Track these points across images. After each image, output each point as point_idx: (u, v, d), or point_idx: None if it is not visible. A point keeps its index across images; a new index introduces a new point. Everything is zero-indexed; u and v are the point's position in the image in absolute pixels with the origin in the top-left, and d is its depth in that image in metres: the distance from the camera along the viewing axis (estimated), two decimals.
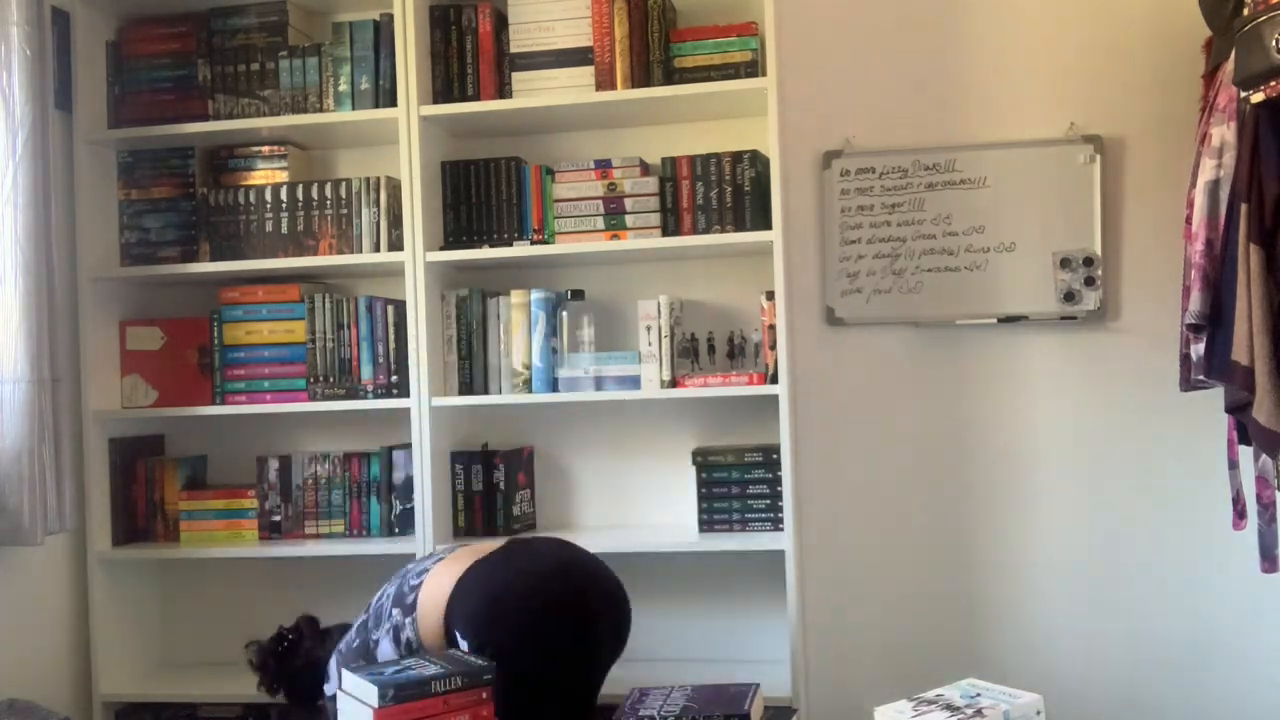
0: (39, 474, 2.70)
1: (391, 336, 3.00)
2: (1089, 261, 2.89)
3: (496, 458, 3.00)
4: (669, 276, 3.06)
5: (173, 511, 3.13)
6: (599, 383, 2.89)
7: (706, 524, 2.93)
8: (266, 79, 3.05)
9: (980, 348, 2.97)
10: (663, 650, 3.06)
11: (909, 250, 2.97)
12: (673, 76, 2.89)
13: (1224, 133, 2.40)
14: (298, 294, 3.06)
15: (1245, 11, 2.27)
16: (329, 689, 2.35)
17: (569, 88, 2.89)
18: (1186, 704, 2.87)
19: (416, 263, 2.91)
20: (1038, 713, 1.60)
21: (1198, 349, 2.46)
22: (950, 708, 1.57)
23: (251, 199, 3.05)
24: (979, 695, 1.61)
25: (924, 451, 2.99)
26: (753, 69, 2.84)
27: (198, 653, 3.26)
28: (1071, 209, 2.90)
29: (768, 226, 2.80)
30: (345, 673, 2.20)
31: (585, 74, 2.89)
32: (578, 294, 3.00)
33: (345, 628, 2.49)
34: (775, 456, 2.83)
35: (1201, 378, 2.48)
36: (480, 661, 2.13)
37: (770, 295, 2.80)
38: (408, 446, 2.96)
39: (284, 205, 3.04)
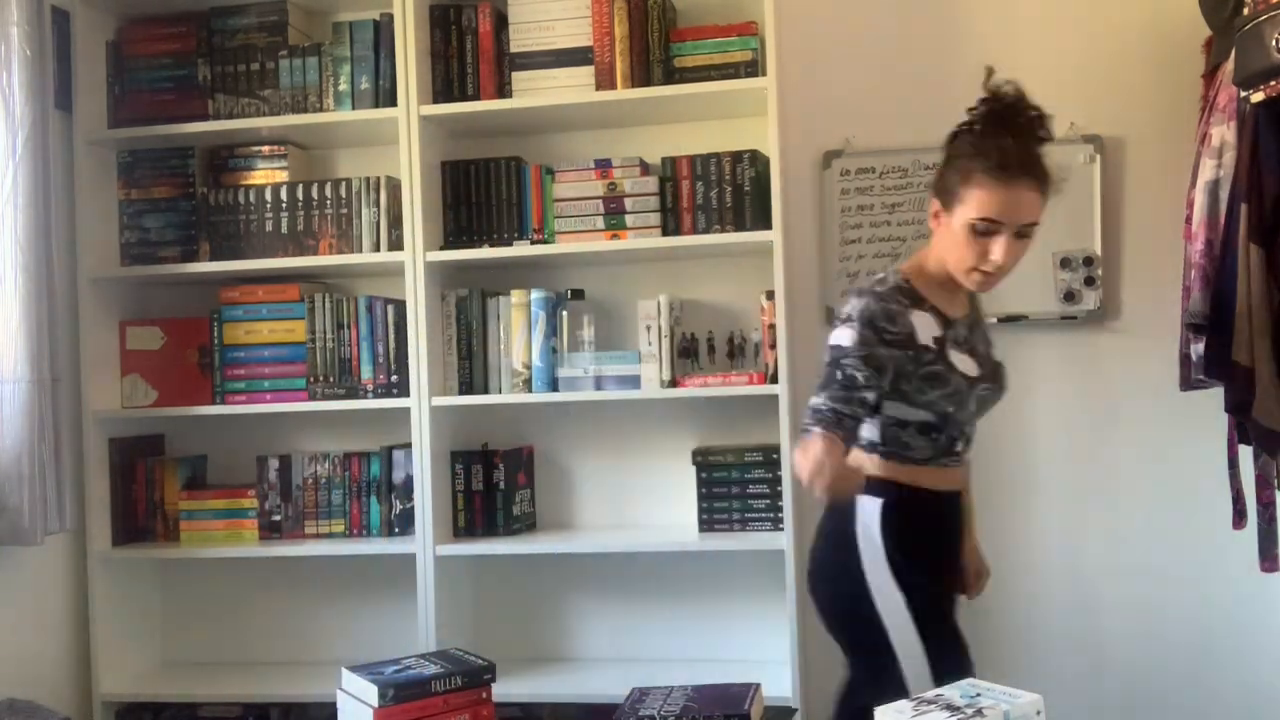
0: (39, 474, 2.70)
1: (391, 336, 3.00)
2: (1089, 261, 2.89)
3: (496, 457, 2.99)
4: (669, 276, 3.06)
5: (173, 511, 3.13)
6: (599, 382, 2.88)
7: (706, 524, 2.93)
8: (266, 79, 3.04)
9: None
10: (663, 650, 3.07)
11: (909, 250, 2.97)
12: (673, 76, 2.89)
13: (1224, 133, 2.41)
14: (298, 294, 3.06)
15: (1245, 11, 2.27)
16: None
17: (569, 87, 2.89)
18: (1186, 703, 2.87)
19: (416, 262, 2.91)
20: (1038, 712, 1.59)
21: (1198, 349, 2.46)
22: (950, 708, 1.57)
23: (251, 199, 3.05)
24: (979, 695, 1.61)
25: None
26: (753, 69, 2.84)
27: (198, 653, 3.26)
28: (1071, 209, 2.89)
29: (768, 226, 2.80)
30: (345, 672, 2.21)
31: (585, 74, 2.89)
32: (578, 294, 3.00)
33: None
34: (775, 456, 2.83)
35: (1201, 378, 2.48)
36: (480, 661, 2.13)
37: (770, 295, 2.80)
38: (408, 446, 2.96)
39: (284, 205, 3.04)
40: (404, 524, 3.02)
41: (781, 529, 2.83)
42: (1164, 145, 2.84)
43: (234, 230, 3.06)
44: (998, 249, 2.04)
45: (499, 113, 2.95)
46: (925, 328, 2.07)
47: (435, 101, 2.96)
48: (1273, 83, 2.20)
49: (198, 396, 3.09)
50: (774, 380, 2.79)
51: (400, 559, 2.96)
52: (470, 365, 2.98)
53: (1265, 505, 2.47)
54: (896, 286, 2.10)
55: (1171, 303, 2.68)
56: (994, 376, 2.19)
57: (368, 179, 3.01)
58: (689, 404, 3.02)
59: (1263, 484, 2.46)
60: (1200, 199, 2.44)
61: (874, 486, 2.10)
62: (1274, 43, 2.17)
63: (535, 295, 2.93)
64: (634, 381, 2.87)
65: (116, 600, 3.10)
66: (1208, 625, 2.86)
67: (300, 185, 3.04)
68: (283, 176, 3.09)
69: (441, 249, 2.96)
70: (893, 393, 2.06)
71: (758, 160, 2.86)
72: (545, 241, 2.95)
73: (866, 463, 2.13)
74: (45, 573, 2.96)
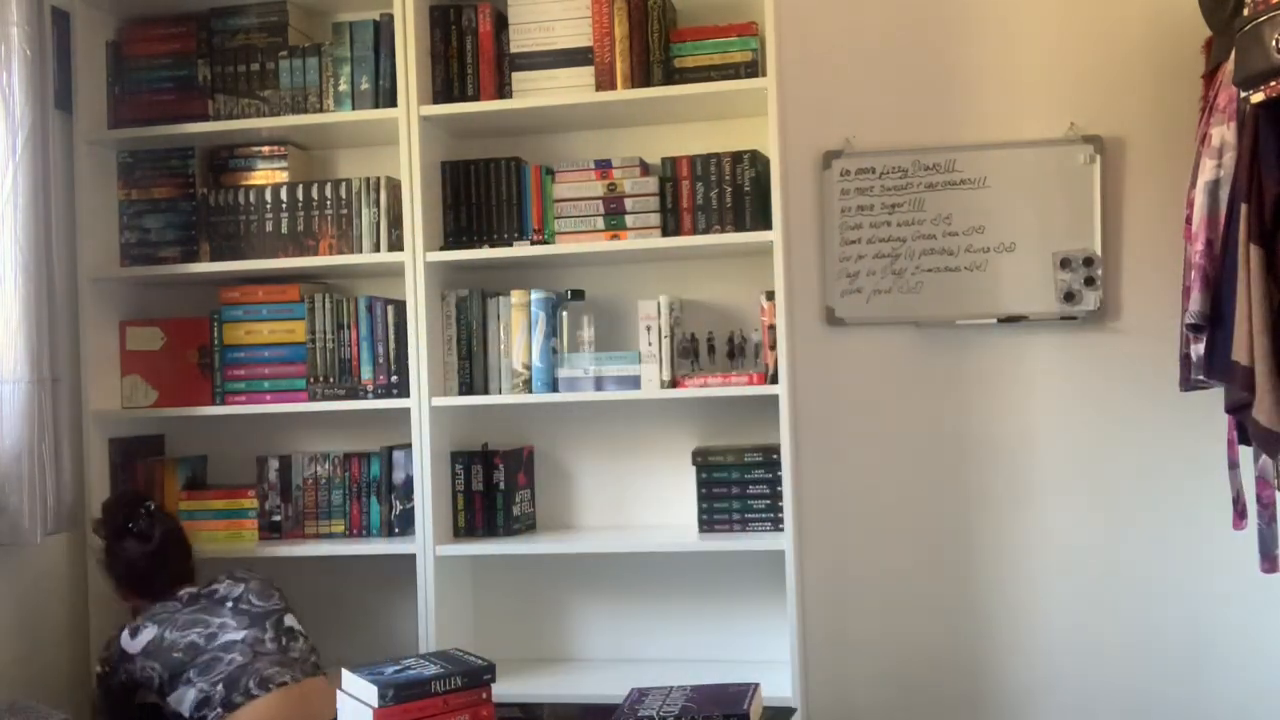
0: (39, 474, 2.70)
1: (391, 336, 3.00)
2: (1089, 261, 2.89)
3: (496, 458, 3.00)
4: (669, 276, 3.06)
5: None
6: (599, 383, 2.88)
7: (706, 524, 2.93)
8: (266, 79, 3.05)
9: (980, 348, 2.96)
10: (663, 650, 3.07)
11: (909, 250, 2.97)
12: (673, 76, 2.89)
13: (1224, 133, 2.40)
14: (298, 294, 3.06)
15: (1245, 11, 2.27)
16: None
17: (569, 88, 2.89)
18: (1186, 704, 2.87)
19: (416, 263, 2.91)
20: None
21: (1198, 349, 2.46)
22: None
23: (251, 199, 3.05)
24: None
25: (924, 451, 2.99)
26: (753, 69, 2.84)
27: None
28: (1071, 209, 2.90)
29: (768, 226, 2.80)
30: (345, 672, 2.21)
31: (585, 74, 2.89)
32: (578, 294, 3.00)
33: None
34: (775, 456, 2.83)
35: (1201, 378, 2.48)
36: (480, 661, 2.13)
37: (770, 295, 2.80)
38: (408, 446, 2.96)
39: (284, 205, 3.04)
40: (404, 524, 3.02)
41: (781, 529, 2.82)
42: (1164, 145, 2.84)
43: (234, 230, 3.06)
44: None
45: (499, 113, 2.95)
46: None
47: (435, 102, 2.96)
48: (1273, 83, 2.20)
49: (198, 397, 3.09)
50: (774, 380, 2.79)
51: (400, 559, 2.96)
52: (470, 365, 2.98)
53: (1265, 505, 2.47)
54: None
55: (1171, 303, 2.68)
56: None
57: (368, 179, 3.02)
58: (689, 404, 3.02)
59: (1263, 484, 2.46)
60: (1200, 199, 2.44)
61: None
62: (1274, 43, 2.17)
63: (535, 295, 2.93)
64: (634, 382, 2.87)
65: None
66: (1208, 625, 2.86)
67: (300, 185, 3.04)
68: (283, 177, 3.09)
69: (441, 249, 2.96)
70: None
71: (758, 160, 2.86)
72: (545, 242, 2.95)
73: None
74: (45, 573, 2.96)
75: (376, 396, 2.99)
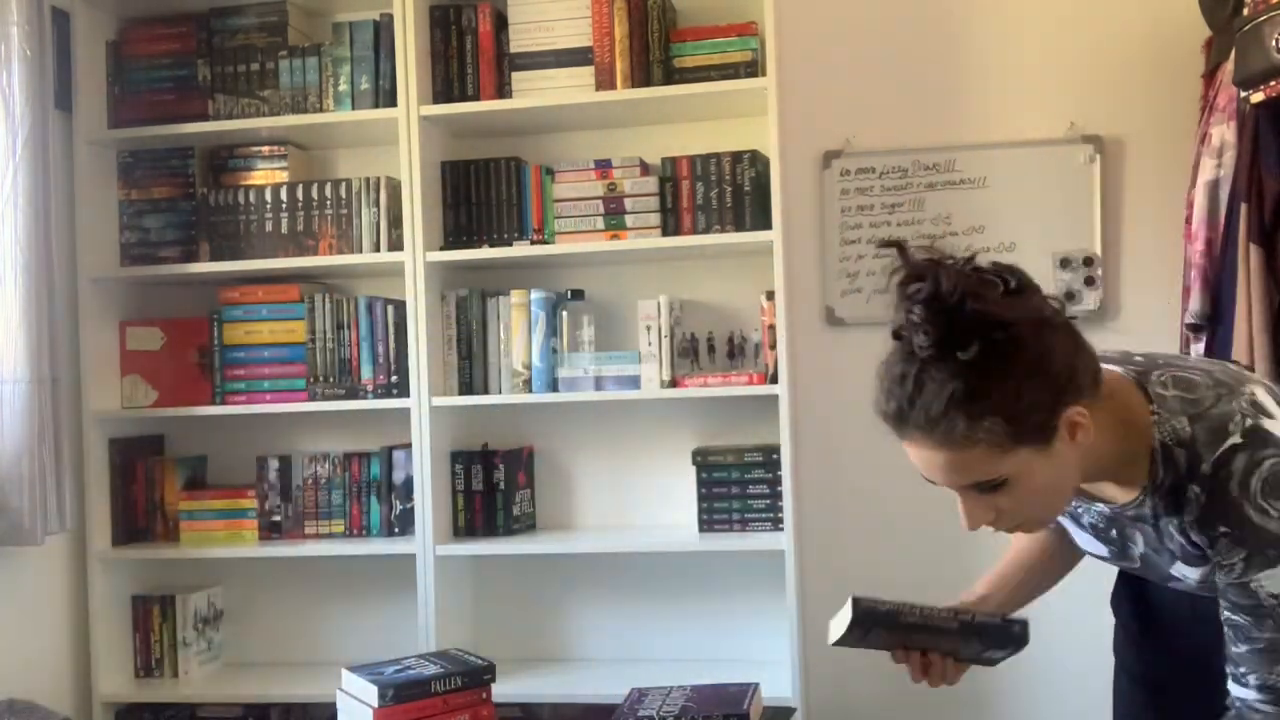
0: (39, 474, 2.70)
1: (391, 336, 3.00)
2: (1089, 261, 2.89)
3: (496, 457, 2.99)
4: (669, 276, 3.06)
5: (173, 511, 3.13)
6: (599, 383, 2.88)
7: (706, 524, 2.92)
8: (266, 79, 3.04)
9: None
10: (663, 650, 3.07)
11: None
12: (673, 76, 2.89)
13: (1224, 133, 2.41)
14: (298, 294, 3.06)
15: (1245, 11, 2.27)
16: None
17: (569, 88, 2.89)
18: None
19: (416, 263, 2.91)
20: None
21: (1198, 349, 2.46)
22: None
23: (251, 199, 3.05)
24: None
25: None
26: (753, 69, 2.84)
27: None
28: (1071, 209, 2.90)
29: (768, 226, 2.80)
30: (345, 672, 2.20)
31: (585, 74, 2.89)
32: (578, 294, 3.00)
33: None
34: (775, 456, 2.83)
35: None
36: (480, 661, 2.13)
37: (770, 295, 2.80)
38: (408, 446, 2.96)
39: (284, 205, 3.04)
40: (404, 524, 3.02)
41: (781, 529, 2.82)
42: (1164, 145, 2.84)
43: (234, 230, 3.06)
44: (960, 510, 1.59)
45: (499, 113, 2.95)
46: None
47: (435, 101, 2.96)
48: (1273, 83, 2.20)
49: (198, 397, 3.09)
50: (774, 380, 2.79)
51: (400, 559, 2.96)
52: (470, 365, 2.98)
53: None
54: None
55: (1171, 303, 2.67)
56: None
57: (368, 179, 3.01)
58: (689, 404, 3.02)
59: None
60: (1200, 199, 2.44)
61: None
62: (1274, 43, 2.17)
63: (535, 295, 2.93)
64: (634, 382, 2.87)
65: (116, 600, 3.10)
66: None
67: (300, 185, 3.04)
68: (283, 177, 3.09)
69: (441, 249, 2.96)
70: None
71: (758, 160, 2.86)
72: (545, 241, 2.95)
73: None
74: (45, 573, 2.95)
75: (376, 396, 2.99)
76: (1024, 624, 1.68)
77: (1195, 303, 2.43)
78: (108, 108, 3.11)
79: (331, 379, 3.02)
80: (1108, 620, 2.96)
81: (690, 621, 3.07)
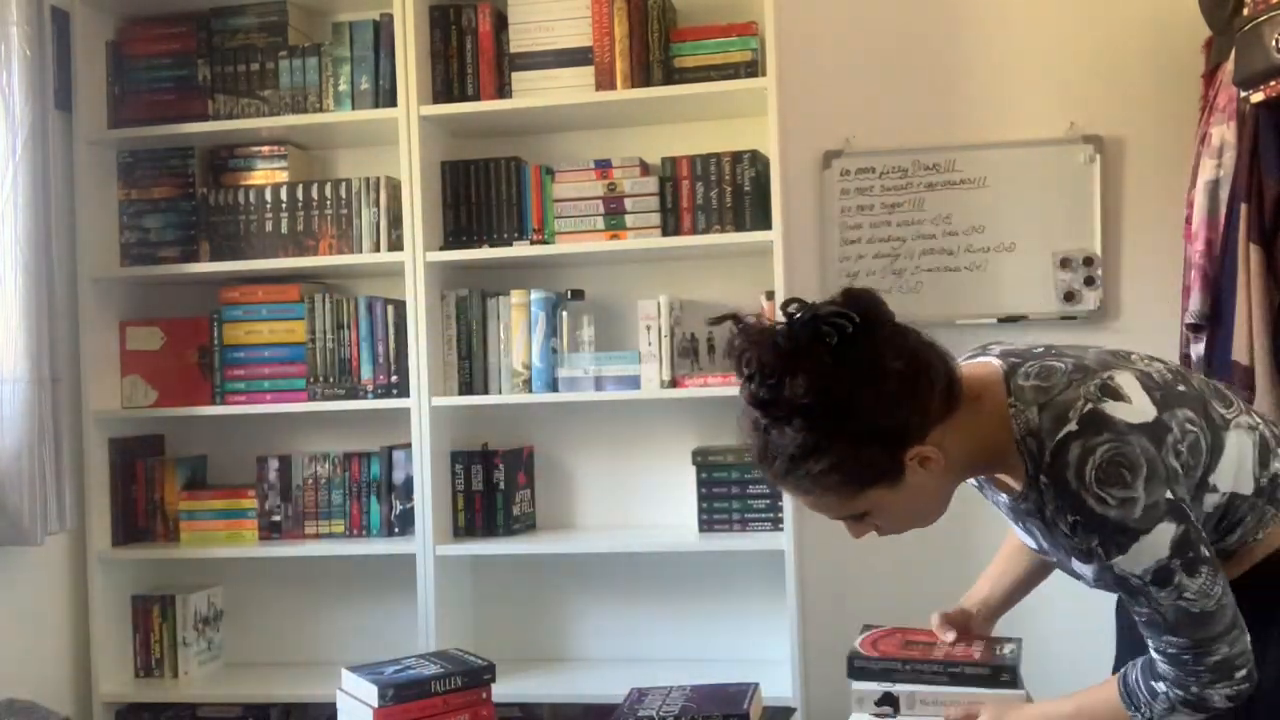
0: (39, 474, 2.70)
1: (391, 336, 3.00)
2: (1089, 261, 2.89)
3: (496, 457, 2.99)
4: (669, 276, 3.06)
5: (173, 511, 3.13)
6: (599, 383, 2.88)
7: (706, 524, 2.92)
8: (266, 79, 3.04)
9: None
10: (663, 650, 3.06)
11: (909, 250, 2.97)
12: (673, 76, 2.89)
13: (1224, 133, 2.41)
14: (298, 294, 3.06)
15: (1245, 11, 2.27)
16: None
17: (569, 88, 2.89)
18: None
19: (416, 263, 2.91)
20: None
21: (1198, 349, 2.46)
22: None
23: (251, 199, 3.05)
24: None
25: None
26: (753, 69, 2.84)
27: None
28: (1071, 209, 2.90)
29: (768, 226, 2.80)
30: (345, 672, 2.20)
31: (585, 74, 2.89)
32: (578, 294, 3.00)
33: None
34: None
35: None
36: (480, 661, 2.13)
37: (770, 295, 2.80)
38: (408, 446, 2.96)
39: (284, 205, 3.04)
40: (404, 524, 3.02)
41: (781, 529, 2.82)
42: (1164, 145, 2.84)
43: (234, 230, 3.06)
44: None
45: (499, 113, 2.95)
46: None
47: (435, 101, 2.96)
48: (1273, 83, 2.21)
49: (198, 397, 3.09)
50: None
51: (400, 559, 2.96)
52: (470, 365, 2.98)
53: None
54: None
55: (1171, 303, 2.67)
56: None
57: (368, 179, 3.01)
58: (689, 404, 3.02)
59: None
60: (1200, 199, 2.45)
61: None
62: (1274, 43, 2.17)
63: (535, 295, 2.93)
64: (634, 381, 2.87)
65: (116, 600, 3.10)
66: None
67: (300, 185, 3.04)
68: (283, 177, 3.09)
69: (441, 249, 2.96)
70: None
71: (758, 160, 2.86)
72: (545, 241, 2.95)
73: None
74: (45, 573, 2.95)
75: (376, 396, 2.99)
76: (1013, 670, 1.75)
77: (1195, 303, 2.43)
78: (108, 108, 3.11)
79: (331, 379, 3.02)
80: (1103, 626, 2.96)
81: (690, 621, 3.07)
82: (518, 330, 2.93)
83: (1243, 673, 1.43)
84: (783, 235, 2.78)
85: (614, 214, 2.91)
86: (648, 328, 2.87)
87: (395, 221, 2.97)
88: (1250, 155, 2.31)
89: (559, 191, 2.94)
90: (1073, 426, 1.38)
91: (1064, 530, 1.43)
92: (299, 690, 3.00)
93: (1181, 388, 1.48)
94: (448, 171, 3.02)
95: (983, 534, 2.97)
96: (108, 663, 3.05)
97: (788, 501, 2.79)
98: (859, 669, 1.80)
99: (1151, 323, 2.84)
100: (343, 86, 3.00)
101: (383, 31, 2.98)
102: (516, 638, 3.13)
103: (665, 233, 2.89)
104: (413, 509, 2.94)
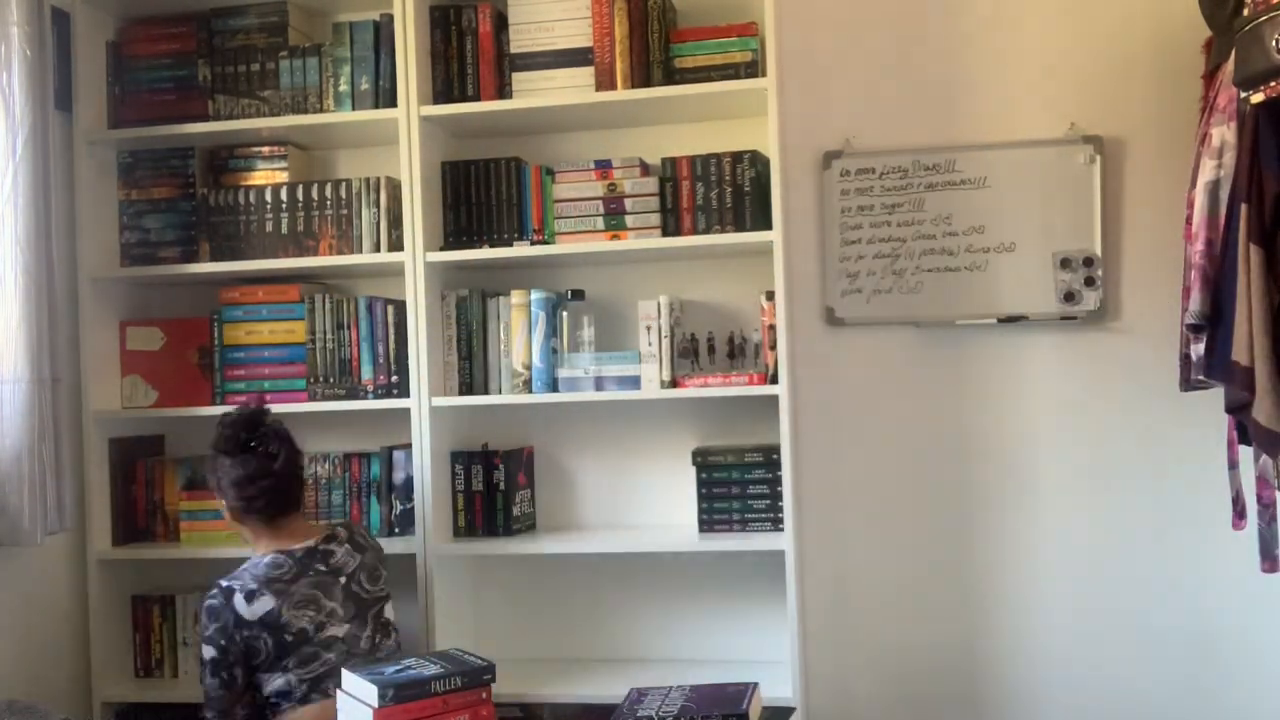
0: (39, 474, 2.70)
1: (391, 336, 3.00)
2: (1089, 261, 2.89)
3: (496, 458, 2.99)
4: (669, 276, 3.06)
5: (173, 511, 3.13)
6: (599, 383, 2.88)
7: (706, 524, 2.92)
8: (267, 79, 3.05)
9: (980, 348, 2.96)
10: (662, 650, 3.07)
11: (909, 250, 2.97)
12: (673, 76, 2.89)
13: (1224, 133, 2.40)
14: (298, 294, 3.06)
15: (1245, 11, 2.27)
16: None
17: (569, 88, 2.89)
18: (1186, 704, 2.87)
19: (416, 263, 2.91)
20: None
21: (1198, 349, 2.46)
22: None
23: (251, 199, 3.06)
24: None
25: (924, 451, 2.99)
26: (753, 69, 2.84)
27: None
28: (1071, 209, 2.90)
29: (768, 226, 2.80)
30: (345, 672, 2.21)
31: (585, 74, 2.89)
32: (578, 294, 3.00)
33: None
34: (775, 456, 2.83)
35: (1201, 378, 2.48)
36: (480, 661, 2.13)
37: (770, 295, 2.80)
38: (408, 446, 2.96)
39: (284, 205, 3.04)
40: (404, 524, 3.02)
41: (781, 529, 2.82)
42: (1164, 145, 2.84)
43: (234, 231, 3.06)
44: None
45: (499, 113, 2.95)
46: None
47: (435, 102, 2.96)
48: (1273, 83, 2.20)
49: (198, 397, 3.09)
50: (774, 381, 2.79)
51: (400, 559, 2.96)
52: (470, 365, 2.98)
53: (1265, 505, 2.46)
54: None
55: (1171, 303, 2.67)
56: None
57: (368, 179, 3.02)
58: (689, 404, 3.02)
59: (1263, 484, 2.46)
60: (1200, 199, 2.44)
61: None
62: (1274, 43, 2.17)
63: (535, 295, 2.93)
64: (634, 382, 2.87)
65: (116, 600, 3.10)
66: (1208, 625, 2.86)
67: (300, 186, 3.04)
68: (283, 177, 3.09)
69: (441, 249, 2.96)
70: None
71: (758, 160, 2.86)
72: (545, 242, 2.95)
73: None
74: (45, 573, 2.96)
75: (376, 396, 2.99)
76: None
77: (1195, 303, 2.42)
78: (108, 108, 3.11)
79: (331, 379, 3.02)
80: (1102, 625, 2.97)
81: (690, 621, 3.07)
82: (518, 330, 2.93)
83: None
84: (783, 235, 2.78)
85: (614, 214, 2.91)
86: (648, 328, 2.87)
87: (395, 222, 2.98)
88: (1250, 155, 2.30)
89: (559, 192, 2.94)
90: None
91: None
92: None
93: None
94: (448, 172, 3.02)
95: (980, 534, 2.98)
96: (107, 663, 3.05)
97: (788, 501, 2.79)
98: None
99: (1151, 323, 2.85)
100: (343, 87, 3.01)
101: (383, 32, 2.98)
102: (516, 638, 3.13)
103: (665, 233, 2.89)
104: (413, 509, 2.95)
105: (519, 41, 2.92)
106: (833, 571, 3.03)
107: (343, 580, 2.58)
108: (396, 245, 2.97)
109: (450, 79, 2.98)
